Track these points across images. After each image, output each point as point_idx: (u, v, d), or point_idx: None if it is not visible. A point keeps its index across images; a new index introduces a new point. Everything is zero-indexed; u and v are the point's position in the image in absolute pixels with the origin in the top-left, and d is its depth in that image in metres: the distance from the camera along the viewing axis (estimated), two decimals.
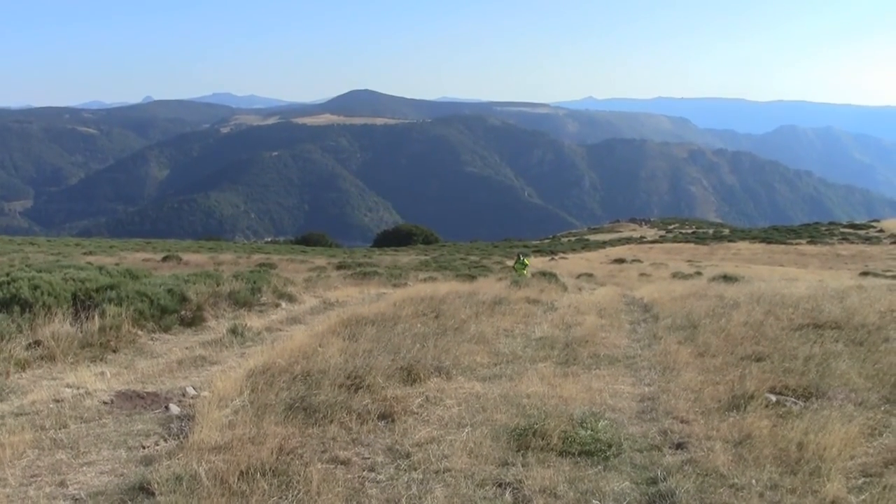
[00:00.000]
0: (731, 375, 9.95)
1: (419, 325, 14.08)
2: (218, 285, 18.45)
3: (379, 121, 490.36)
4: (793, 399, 8.84)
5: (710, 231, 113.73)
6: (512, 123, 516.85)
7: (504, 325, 15.12)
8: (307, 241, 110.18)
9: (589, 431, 7.51)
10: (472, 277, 33.43)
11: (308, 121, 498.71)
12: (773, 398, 8.78)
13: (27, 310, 13.36)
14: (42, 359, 11.45)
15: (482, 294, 19.96)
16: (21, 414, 8.67)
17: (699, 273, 44.86)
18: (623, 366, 11.41)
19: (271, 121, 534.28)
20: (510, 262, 37.20)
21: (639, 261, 64.03)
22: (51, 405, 9.00)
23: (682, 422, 8.14)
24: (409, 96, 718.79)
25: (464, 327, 14.14)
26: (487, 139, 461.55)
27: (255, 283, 19.81)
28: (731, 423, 7.88)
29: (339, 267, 41.57)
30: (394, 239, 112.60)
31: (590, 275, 47.01)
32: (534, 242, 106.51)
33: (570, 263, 62.15)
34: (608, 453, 7.10)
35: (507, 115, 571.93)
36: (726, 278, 32.01)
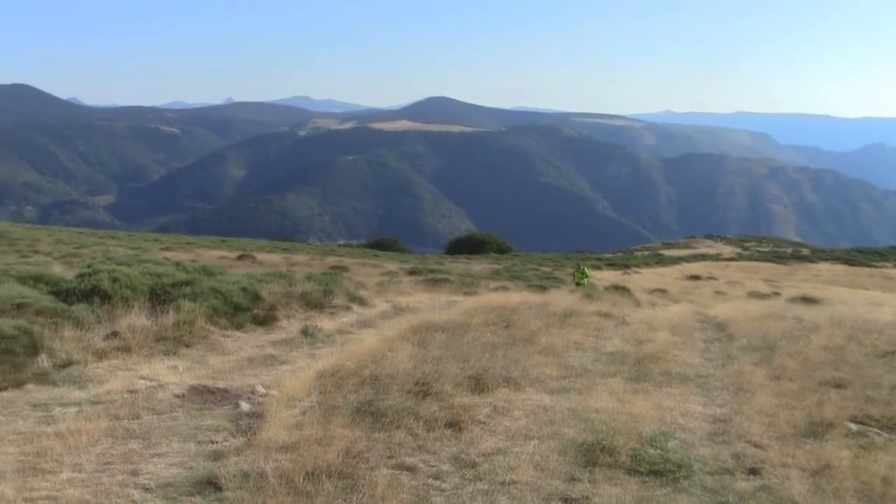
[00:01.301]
0: (809, 401, 9.73)
1: (489, 335, 14.03)
2: (291, 286, 18.62)
3: (455, 128, 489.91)
4: (876, 430, 8.58)
5: (790, 250, 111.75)
6: (588, 135, 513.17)
7: (575, 337, 15.02)
8: (379, 245, 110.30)
9: (659, 451, 7.42)
10: (543, 288, 33.25)
11: (384, 126, 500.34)
12: (855, 427, 8.54)
13: (106, 301, 13.62)
14: (118, 350, 11.65)
15: (553, 306, 19.85)
16: (97, 402, 8.84)
17: (777, 293, 44.10)
18: (695, 385, 11.25)
19: (348, 125, 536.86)
20: (587, 271, 37.04)
21: (714, 278, 63.17)
22: (125, 395, 9.17)
23: (755, 446, 7.98)
24: (485, 104, 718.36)
25: (534, 338, 14.07)
26: (563, 150, 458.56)
27: (327, 285, 19.95)
28: (808, 451, 7.70)
29: (411, 272, 41.64)
30: (466, 247, 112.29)
31: (663, 290, 46.55)
32: (607, 255, 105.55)
33: (642, 278, 61.55)
34: (678, 474, 7.00)
35: (584, 126, 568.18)
36: (805, 300, 31.44)
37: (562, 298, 23.59)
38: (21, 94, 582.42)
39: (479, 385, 9.87)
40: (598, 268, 72.13)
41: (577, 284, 34.97)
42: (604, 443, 7.50)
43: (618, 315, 19.98)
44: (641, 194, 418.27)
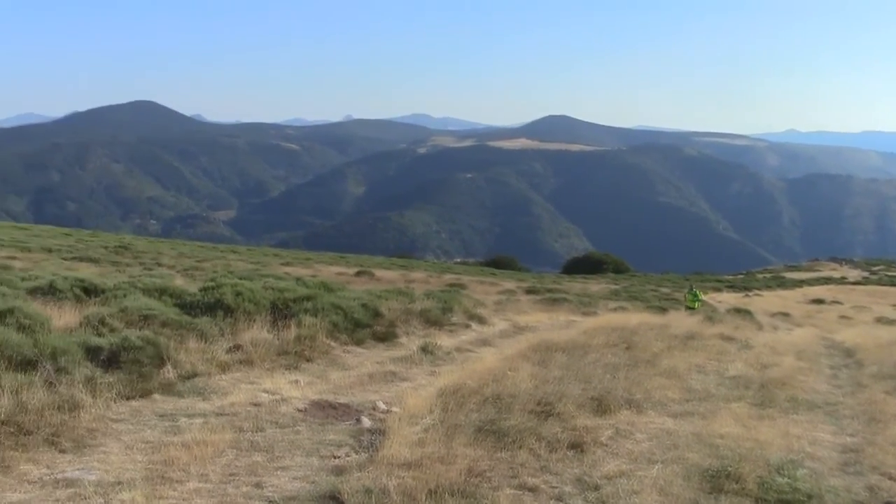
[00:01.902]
0: None
1: (610, 356, 13.87)
2: (410, 303, 18.71)
3: (574, 147, 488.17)
4: None
5: None
6: (709, 154, 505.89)
7: (697, 360, 14.76)
8: (496, 263, 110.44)
9: (787, 479, 7.20)
10: (663, 310, 32.87)
11: (503, 144, 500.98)
12: None
13: (229, 315, 13.84)
14: (241, 363, 11.82)
15: (674, 327, 19.62)
16: (221, 414, 8.98)
17: None
18: (823, 412, 10.92)
19: (467, 143, 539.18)
20: (699, 294, 36.22)
21: (839, 302, 61.62)
22: (249, 408, 9.29)
23: (891, 479, 7.70)
24: (605, 123, 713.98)
25: (655, 360, 13.88)
26: (683, 169, 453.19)
27: (446, 302, 20.00)
28: None
29: (529, 291, 41.54)
30: (584, 266, 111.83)
31: (785, 314, 45.62)
32: (727, 277, 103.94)
33: (764, 301, 60.42)
34: None
35: (705, 145, 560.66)
36: None
37: (682, 320, 23.31)
38: (147, 111, 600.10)
39: (600, 407, 9.76)
40: (718, 290, 71.11)
41: (689, 308, 34.22)
42: (729, 469, 7.33)
43: (740, 338, 19.58)
44: (763, 216, 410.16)
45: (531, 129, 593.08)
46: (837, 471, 8.06)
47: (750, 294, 70.23)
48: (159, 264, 41.97)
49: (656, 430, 9.15)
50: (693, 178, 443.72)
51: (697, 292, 36.08)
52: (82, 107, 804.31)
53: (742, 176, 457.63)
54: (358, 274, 49.35)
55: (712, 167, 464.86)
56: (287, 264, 53.98)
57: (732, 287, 79.57)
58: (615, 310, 30.42)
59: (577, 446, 8.06)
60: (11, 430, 7.35)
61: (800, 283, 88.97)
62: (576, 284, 61.38)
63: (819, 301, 62.63)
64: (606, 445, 8.32)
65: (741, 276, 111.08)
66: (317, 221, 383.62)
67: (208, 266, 42.64)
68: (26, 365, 9.04)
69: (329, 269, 51.55)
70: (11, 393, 8.11)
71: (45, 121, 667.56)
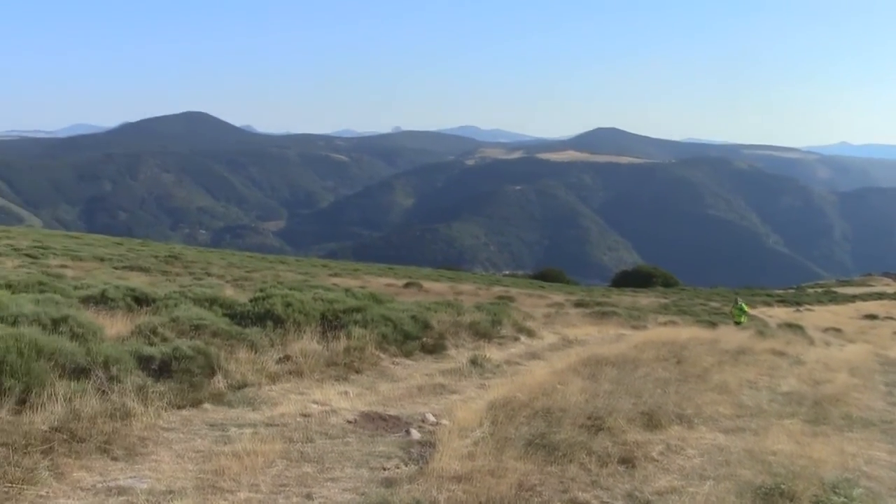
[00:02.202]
0: None
1: (660, 370, 13.78)
2: (459, 315, 18.70)
3: (623, 159, 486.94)
4: None
5: None
6: (759, 167, 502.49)
7: (748, 376, 14.61)
8: (545, 276, 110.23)
9: (842, 498, 7.08)
10: (713, 324, 32.64)
11: (551, 156, 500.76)
12: None
13: (279, 325, 13.91)
14: (290, 373, 11.85)
15: (724, 342, 19.47)
16: (271, 424, 9.00)
17: None
18: (879, 431, 10.75)
19: (515, 155, 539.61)
20: (745, 307, 35.67)
21: (893, 318, 60.69)
22: (298, 419, 9.31)
23: None
24: (654, 136, 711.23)
25: (706, 375, 13.76)
26: (732, 182, 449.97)
27: (495, 315, 19.96)
28: None
29: (578, 304, 41.43)
30: (633, 280, 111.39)
31: (837, 329, 45.07)
32: (777, 291, 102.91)
33: (815, 316, 59.75)
34: None
35: (755, 158, 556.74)
36: None
37: (732, 335, 23.13)
38: (198, 121, 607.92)
39: (651, 421, 9.68)
40: (768, 304, 70.47)
41: (736, 323, 33.80)
42: (783, 487, 7.20)
43: (792, 354, 19.40)
44: (814, 229, 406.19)
45: (580, 142, 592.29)
46: (895, 490, 7.93)
47: (801, 309, 69.54)
48: (209, 274, 42.28)
49: (708, 446, 9.05)
50: (743, 191, 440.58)
51: (743, 305, 35.61)
52: (134, 117, 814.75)
53: (792, 189, 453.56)
54: (406, 285, 49.47)
55: (762, 180, 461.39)
56: (335, 275, 54.20)
57: (783, 301, 78.83)
58: (665, 324, 30.25)
59: (627, 461, 7.99)
60: (65, 436, 7.42)
61: (852, 299, 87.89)
62: (625, 298, 61.06)
63: (872, 316, 61.83)
64: (657, 461, 8.23)
65: (792, 291, 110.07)
66: (365, 232, 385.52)
67: (257, 276, 42.91)
68: (79, 373, 9.13)
69: (377, 281, 51.70)
70: (65, 400, 8.22)
71: (97, 131, 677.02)
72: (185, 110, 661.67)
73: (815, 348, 23.54)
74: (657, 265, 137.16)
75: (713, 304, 60.09)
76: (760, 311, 54.45)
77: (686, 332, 21.68)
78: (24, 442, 7.01)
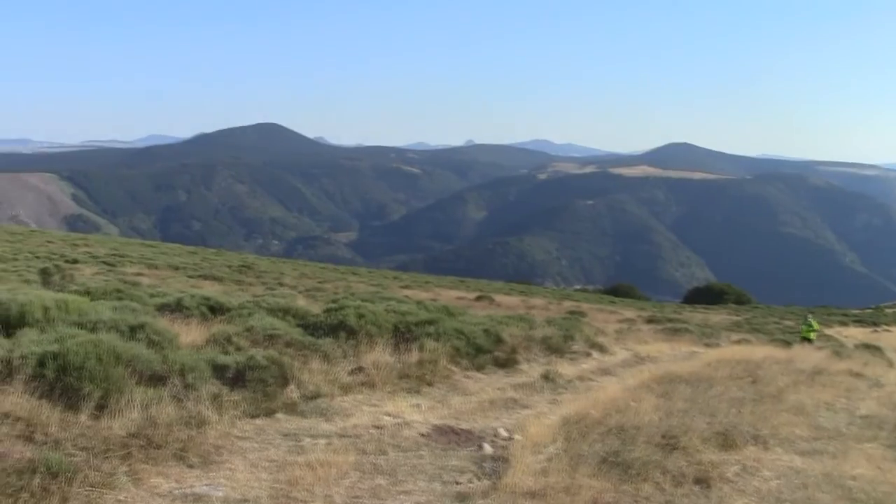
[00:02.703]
0: None
1: (735, 389, 13.57)
2: (531, 329, 18.66)
3: (696, 175, 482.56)
4: None
5: None
6: (836, 184, 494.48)
7: (824, 397, 14.31)
8: (616, 291, 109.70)
9: None
10: (787, 343, 32.12)
11: (624, 171, 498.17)
12: None
13: (352, 337, 13.96)
14: (362, 385, 11.88)
15: (800, 362, 19.16)
16: (344, 436, 9.02)
17: None
18: None
19: (587, 169, 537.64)
20: (814, 324, 34.88)
21: None
22: (371, 431, 9.32)
23: None
24: (728, 151, 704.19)
25: (782, 396, 13.53)
26: (808, 199, 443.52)
27: (567, 330, 19.89)
28: None
29: (649, 321, 41.07)
30: (705, 296, 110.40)
31: None
32: (854, 311, 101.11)
33: (894, 337, 58.57)
34: None
35: (831, 175, 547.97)
36: None
37: (808, 354, 22.76)
38: (271, 133, 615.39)
39: (726, 441, 9.53)
40: (844, 324, 69.23)
41: (805, 339, 33.18)
42: None
43: (870, 375, 18.98)
44: (892, 248, 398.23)
45: (653, 157, 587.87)
46: None
47: (878, 329, 68.15)
48: (281, 284, 42.67)
49: (784, 468, 8.88)
50: (819, 208, 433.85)
51: (812, 322, 34.94)
52: (209, 128, 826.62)
53: (870, 207, 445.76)
54: (478, 299, 49.48)
55: (839, 197, 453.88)
56: (406, 287, 54.38)
57: (860, 321, 77.39)
58: (738, 342, 29.88)
59: (702, 481, 7.88)
60: (142, 443, 7.52)
61: None
62: (697, 315, 60.45)
63: None
64: (733, 482, 8.11)
65: (869, 311, 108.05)
66: (436, 245, 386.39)
67: (329, 287, 43.22)
68: (156, 380, 9.25)
69: (449, 293, 51.75)
70: (142, 407, 8.33)
71: (173, 141, 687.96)
72: (258, 122, 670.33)
73: (894, 370, 23.07)
74: (730, 282, 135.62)
75: (787, 322, 59.21)
76: (836, 331, 53.55)
77: (760, 351, 21.41)
78: (103, 447, 7.13)
